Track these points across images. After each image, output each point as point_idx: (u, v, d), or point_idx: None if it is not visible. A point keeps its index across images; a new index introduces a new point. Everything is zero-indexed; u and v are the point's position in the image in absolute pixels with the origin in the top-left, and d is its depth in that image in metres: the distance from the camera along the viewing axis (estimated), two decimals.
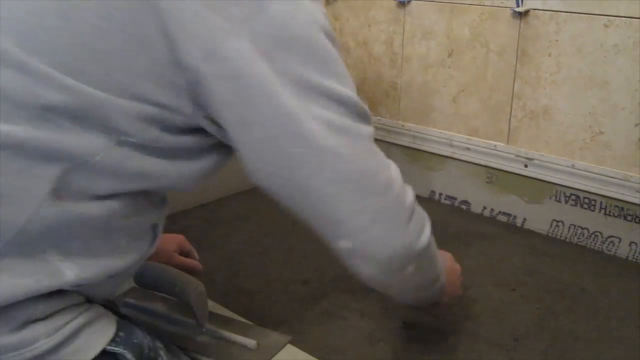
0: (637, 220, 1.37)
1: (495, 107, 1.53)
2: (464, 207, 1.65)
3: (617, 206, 1.40)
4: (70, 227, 0.61)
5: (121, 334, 0.69)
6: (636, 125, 1.32)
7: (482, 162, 1.58)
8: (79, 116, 0.59)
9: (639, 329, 1.14)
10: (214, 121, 0.65)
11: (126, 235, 0.68)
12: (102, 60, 0.59)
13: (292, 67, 0.62)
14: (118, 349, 0.66)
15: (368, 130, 0.69)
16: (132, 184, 0.64)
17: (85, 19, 0.58)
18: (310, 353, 1.04)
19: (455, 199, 1.66)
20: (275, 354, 1.03)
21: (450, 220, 1.57)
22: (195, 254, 1.16)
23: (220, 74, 0.60)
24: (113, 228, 0.66)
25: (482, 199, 1.62)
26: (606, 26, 1.31)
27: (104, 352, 0.66)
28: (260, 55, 0.60)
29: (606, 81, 1.34)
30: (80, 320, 0.65)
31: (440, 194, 1.68)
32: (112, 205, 0.64)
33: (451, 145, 1.62)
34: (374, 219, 0.71)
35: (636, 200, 1.35)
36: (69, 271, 0.62)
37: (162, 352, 0.74)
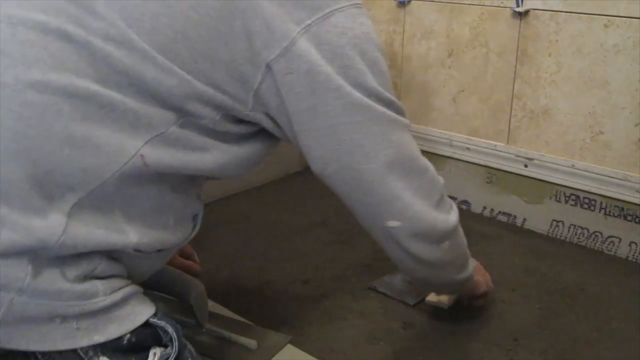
0: (637, 220, 1.37)
1: (495, 107, 1.53)
2: (464, 207, 1.65)
3: (617, 206, 1.40)
4: (136, 193, 0.68)
5: (159, 313, 0.72)
6: (636, 125, 1.32)
7: (482, 162, 1.58)
8: (162, 92, 0.67)
9: (639, 329, 1.14)
10: (269, 116, 0.75)
11: (174, 216, 0.76)
12: (192, 47, 0.68)
13: (350, 69, 0.73)
14: (161, 322, 0.70)
15: (407, 123, 0.82)
16: (188, 161, 0.71)
17: (183, 10, 0.67)
18: (310, 353, 1.04)
19: (455, 199, 1.66)
20: (275, 354, 1.03)
21: None
22: (196, 257, 1.17)
23: (294, 68, 0.70)
24: (165, 205, 0.73)
25: (482, 199, 1.62)
26: (606, 26, 1.31)
27: (146, 325, 0.69)
28: (322, 57, 0.71)
29: (606, 81, 1.34)
30: (130, 289, 0.69)
31: None
32: (170, 180, 0.72)
33: (451, 145, 1.62)
34: (417, 196, 0.82)
35: (636, 200, 1.35)
36: (132, 234, 0.68)
37: (192, 348, 0.76)
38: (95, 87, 0.63)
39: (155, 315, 0.70)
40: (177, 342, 0.69)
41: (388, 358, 1.05)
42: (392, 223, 0.83)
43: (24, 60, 0.61)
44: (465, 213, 1.63)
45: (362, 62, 0.74)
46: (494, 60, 1.50)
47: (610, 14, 1.30)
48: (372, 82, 0.75)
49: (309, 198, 1.69)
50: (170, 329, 0.69)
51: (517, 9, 1.42)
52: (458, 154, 1.62)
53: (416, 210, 0.83)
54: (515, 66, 1.47)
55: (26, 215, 0.60)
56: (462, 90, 1.58)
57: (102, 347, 0.64)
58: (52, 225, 0.61)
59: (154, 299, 1.06)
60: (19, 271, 0.60)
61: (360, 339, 1.10)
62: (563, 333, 1.13)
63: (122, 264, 0.71)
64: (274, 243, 1.44)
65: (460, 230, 0.95)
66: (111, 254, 0.69)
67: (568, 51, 1.37)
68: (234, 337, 1.04)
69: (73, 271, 0.63)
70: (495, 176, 1.58)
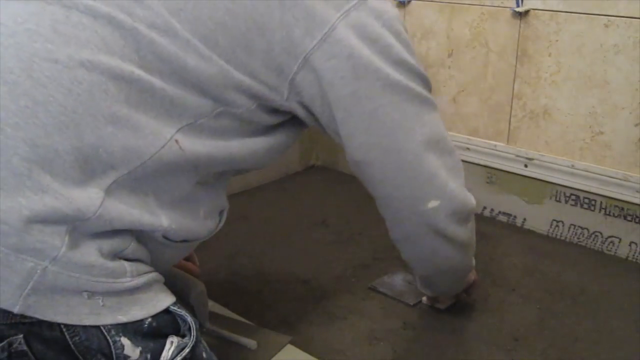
0: (637, 220, 1.37)
1: (495, 107, 1.53)
2: None
3: (617, 206, 1.40)
4: (170, 181, 0.70)
5: (179, 304, 0.73)
6: (636, 125, 1.32)
7: (482, 162, 1.58)
8: (202, 81, 0.70)
9: (639, 329, 1.14)
10: (303, 105, 0.78)
11: (203, 208, 0.78)
12: (231, 37, 0.70)
13: (388, 50, 0.77)
14: (181, 311, 0.71)
15: (435, 103, 0.86)
16: (220, 149, 0.74)
17: (223, 1, 0.70)
18: (310, 353, 1.04)
19: None
20: (275, 354, 1.03)
21: None
22: (196, 259, 1.17)
23: (336, 53, 0.73)
24: (196, 196, 0.76)
25: (482, 199, 1.62)
26: (606, 26, 1.31)
27: (166, 312, 0.70)
28: (362, 40, 0.75)
29: (606, 81, 1.34)
30: (154, 276, 0.71)
31: None
32: (201, 172, 0.74)
33: None
34: (450, 175, 0.88)
35: (636, 200, 1.35)
36: (164, 217, 0.70)
37: (204, 343, 0.77)
38: (138, 72, 0.66)
39: (175, 304, 0.71)
40: (195, 332, 0.70)
41: (388, 358, 1.05)
42: (433, 203, 0.86)
43: (77, 40, 0.64)
44: None
45: (398, 43, 0.79)
46: (494, 60, 1.50)
47: (610, 14, 1.30)
48: (409, 58, 0.80)
49: (309, 198, 1.69)
50: (189, 319, 0.71)
51: (517, 9, 1.42)
52: (458, 154, 1.61)
53: (452, 188, 0.88)
54: (515, 66, 1.47)
55: (67, 185, 0.62)
56: (462, 90, 1.58)
57: (124, 328, 0.65)
58: (90, 197, 0.63)
59: None
60: (56, 240, 0.61)
61: (360, 339, 1.10)
62: (563, 333, 1.13)
63: (148, 250, 0.72)
64: (274, 243, 1.44)
65: None
66: (140, 238, 0.70)
67: (568, 51, 1.37)
68: (234, 337, 1.04)
69: (105, 248, 0.65)
70: (495, 176, 1.58)
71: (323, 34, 0.73)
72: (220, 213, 0.84)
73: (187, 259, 1.15)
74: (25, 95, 0.61)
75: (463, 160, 1.63)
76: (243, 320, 1.12)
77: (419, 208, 0.87)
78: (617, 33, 1.30)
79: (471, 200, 0.94)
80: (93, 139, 0.63)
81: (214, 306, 1.12)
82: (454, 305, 1.19)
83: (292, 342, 1.07)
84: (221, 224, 0.85)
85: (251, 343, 1.03)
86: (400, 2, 1.62)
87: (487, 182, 1.60)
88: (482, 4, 1.48)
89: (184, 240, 0.77)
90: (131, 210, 0.67)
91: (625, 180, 1.36)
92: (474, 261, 1.07)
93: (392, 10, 0.80)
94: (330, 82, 0.75)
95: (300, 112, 0.79)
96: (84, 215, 0.62)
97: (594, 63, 1.34)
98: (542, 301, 1.23)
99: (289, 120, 0.82)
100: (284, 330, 1.10)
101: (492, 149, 1.55)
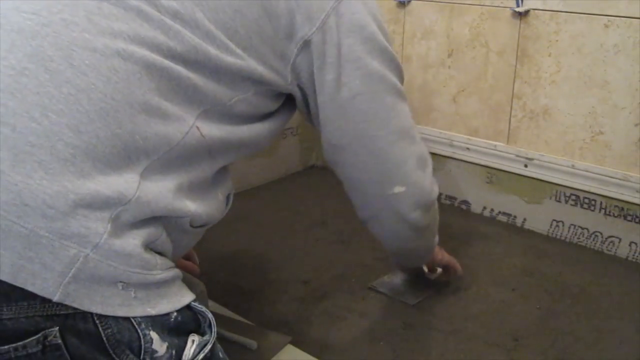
0: (637, 220, 1.37)
1: (495, 107, 1.53)
2: (464, 207, 1.65)
3: (617, 206, 1.40)
4: (191, 164, 0.73)
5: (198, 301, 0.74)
6: (636, 125, 1.32)
7: (482, 162, 1.58)
8: (221, 70, 0.73)
9: (639, 329, 1.14)
10: (300, 87, 0.83)
11: (219, 190, 0.81)
12: (247, 25, 0.75)
13: (373, 36, 0.83)
14: (202, 308, 0.71)
15: (405, 92, 0.92)
16: (234, 133, 0.78)
17: None
18: (310, 353, 1.04)
19: (455, 199, 1.66)
20: (275, 354, 1.03)
21: (450, 220, 1.57)
22: (196, 258, 1.17)
23: (327, 40, 0.80)
24: (214, 180, 0.79)
25: (482, 199, 1.62)
26: (606, 26, 1.31)
27: (190, 310, 0.70)
28: (347, 28, 0.80)
29: (606, 81, 1.34)
30: (177, 272, 0.71)
31: (440, 194, 1.68)
32: (216, 156, 0.77)
33: (451, 145, 1.62)
34: (418, 164, 0.93)
35: (636, 200, 1.35)
36: (190, 203, 0.72)
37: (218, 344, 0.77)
38: (166, 62, 0.69)
39: (195, 300, 0.72)
40: (214, 329, 0.71)
41: (388, 358, 1.05)
42: (398, 189, 0.91)
43: (111, 30, 0.66)
44: (465, 213, 1.63)
45: (379, 31, 0.84)
46: (494, 60, 1.50)
47: (610, 14, 1.30)
48: (390, 47, 0.85)
49: (309, 198, 1.69)
50: (209, 315, 0.71)
51: (517, 9, 1.42)
52: (458, 154, 1.62)
53: (418, 175, 0.93)
54: (515, 66, 1.47)
55: (107, 171, 0.64)
56: (462, 90, 1.58)
57: (153, 322, 0.66)
58: (128, 181, 0.65)
59: None
60: (100, 226, 0.62)
61: (360, 339, 1.10)
62: (563, 333, 1.13)
63: (172, 242, 0.73)
64: (274, 243, 1.44)
65: None
66: (168, 229, 0.72)
67: (568, 51, 1.37)
68: (234, 337, 1.04)
69: (142, 237, 0.66)
70: (495, 176, 1.58)
71: (320, 20, 0.79)
72: (228, 196, 0.86)
73: (187, 258, 1.15)
74: (68, 83, 0.63)
75: (463, 160, 1.64)
76: (243, 320, 1.12)
77: (386, 192, 0.92)
78: (617, 33, 1.30)
79: (435, 190, 0.99)
80: (130, 125, 0.65)
81: (214, 306, 1.12)
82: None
83: (292, 342, 1.06)
84: (229, 206, 0.87)
85: (251, 343, 1.03)
86: (400, 2, 1.62)
87: (487, 182, 1.60)
88: (482, 4, 1.48)
89: (201, 225, 0.78)
90: (165, 195, 0.68)
91: (625, 180, 1.36)
92: (437, 239, 1.12)
93: (374, 4, 0.86)
94: (320, 66, 0.81)
95: (298, 96, 0.85)
96: (125, 198, 0.64)
97: (594, 63, 1.34)
98: (542, 301, 1.23)
99: (284, 104, 0.87)
100: (284, 330, 1.10)
101: (492, 149, 1.55)
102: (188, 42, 0.70)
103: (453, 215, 1.61)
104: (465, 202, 1.65)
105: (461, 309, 1.19)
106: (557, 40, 1.38)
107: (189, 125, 0.71)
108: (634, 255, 1.40)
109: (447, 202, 1.68)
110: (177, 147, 0.70)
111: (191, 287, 0.96)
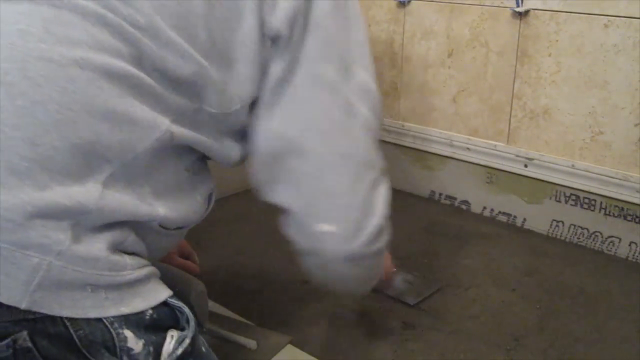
0: (637, 220, 1.37)
1: (495, 107, 1.53)
2: (464, 207, 1.65)
3: (617, 206, 1.40)
4: (162, 169, 0.71)
5: (176, 297, 0.74)
6: (636, 125, 1.32)
7: (482, 162, 1.58)
8: (180, 79, 0.70)
9: (639, 329, 1.14)
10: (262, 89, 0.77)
11: (197, 192, 0.78)
12: (210, 29, 0.70)
13: (335, 42, 0.76)
14: (179, 303, 0.71)
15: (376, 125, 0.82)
16: (203, 141, 0.74)
17: None
18: (310, 353, 1.04)
19: (455, 199, 1.66)
20: (275, 354, 1.03)
21: (450, 220, 1.57)
22: (195, 258, 1.16)
23: (293, 36, 0.73)
24: (188, 182, 0.77)
25: (482, 199, 1.62)
26: (606, 26, 1.31)
27: (167, 306, 0.71)
28: (310, 31, 0.74)
29: (606, 81, 1.34)
30: (151, 269, 0.71)
31: (440, 194, 1.68)
32: (190, 157, 0.76)
33: (451, 145, 1.62)
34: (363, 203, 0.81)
35: (636, 200, 1.35)
36: (160, 207, 0.71)
37: (202, 337, 0.77)
38: (129, 67, 0.67)
39: (172, 297, 0.72)
40: (193, 323, 0.71)
41: (388, 358, 1.05)
42: (326, 227, 0.79)
43: (68, 39, 0.65)
44: (465, 213, 1.63)
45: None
46: (494, 60, 1.50)
47: (610, 14, 1.30)
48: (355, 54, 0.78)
49: None
50: (186, 310, 0.71)
51: (517, 9, 1.42)
52: (458, 154, 1.62)
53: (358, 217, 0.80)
54: (515, 66, 1.47)
55: (67, 181, 0.63)
56: (462, 90, 1.58)
57: (126, 320, 0.66)
58: (89, 191, 0.64)
59: None
60: (60, 234, 0.62)
61: (360, 339, 1.10)
62: (563, 333, 1.13)
63: (145, 243, 0.73)
64: (274, 243, 1.44)
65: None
66: (138, 230, 0.71)
67: (568, 51, 1.37)
68: (234, 337, 1.04)
69: (108, 241, 0.66)
70: (495, 176, 1.58)
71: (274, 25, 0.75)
72: (210, 196, 0.84)
73: (187, 258, 1.15)
74: (22, 96, 0.62)
75: (463, 160, 1.64)
76: (243, 320, 1.12)
77: (309, 228, 0.82)
78: (617, 33, 1.30)
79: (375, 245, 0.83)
80: (89, 135, 0.64)
81: (214, 306, 1.12)
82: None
83: (292, 342, 1.06)
84: (211, 206, 0.85)
85: (251, 343, 1.03)
86: (400, 2, 1.62)
87: (487, 182, 1.59)
88: (482, 4, 1.48)
89: (179, 227, 0.77)
90: (129, 202, 0.67)
91: (625, 180, 1.36)
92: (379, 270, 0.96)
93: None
94: (274, 63, 0.76)
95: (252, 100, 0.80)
96: (85, 208, 0.63)
97: (594, 63, 1.34)
98: (542, 301, 1.23)
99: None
100: (284, 330, 1.10)
101: (492, 149, 1.55)
102: (146, 51, 0.68)
103: (453, 215, 1.61)
104: (465, 202, 1.65)
105: (461, 309, 1.19)
106: (557, 40, 1.38)
107: (161, 131, 0.69)
108: (634, 255, 1.40)
109: (447, 202, 1.68)
110: (144, 153, 0.68)
111: (191, 287, 0.96)
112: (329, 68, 0.76)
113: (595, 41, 1.33)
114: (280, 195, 0.81)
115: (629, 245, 1.40)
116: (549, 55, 1.40)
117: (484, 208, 1.62)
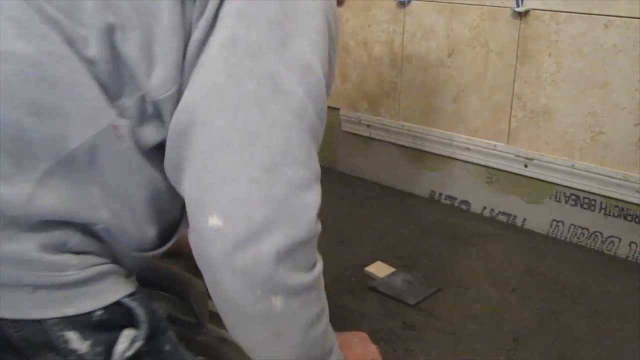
0: (637, 220, 1.37)
1: (495, 107, 1.53)
2: (464, 207, 1.65)
3: (617, 206, 1.40)
4: (118, 171, 0.65)
5: (139, 295, 0.70)
6: (636, 125, 1.32)
7: (482, 162, 1.58)
8: (101, 73, 0.63)
9: (639, 329, 1.14)
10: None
11: (154, 214, 0.71)
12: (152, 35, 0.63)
13: (270, 2, 0.65)
14: (132, 304, 0.68)
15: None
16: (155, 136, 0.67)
17: None
18: None
19: (455, 199, 1.66)
20: None
21: (450, 220, 1.57)
22: None
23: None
24: (151, 200, 0.69)
25: (482, 199, 1.62)
26: (606, 26, 1.31)
27: (121, 306, 0.68)
28: (224, 22, 0.63)
29: (606, 81, 1.34)
30: (106, 268, 0.68)
31: (440, 194, 1.68)
32: (158, 168, 0.67)
33: (451, 145, 1.62)
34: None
35: (636, 200, 1.35)
36: (106, 210, 0.65)
37: (172, 335, 0.75)
38: (61, 51, 0.61)
39: (132, 295, 0.69)
40: (145, 325, 0.68)
41: (388, 358, 1.05)
42: (215, 221, 0.61)
43: None
44: (465, 213, 1.63)
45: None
46: (494, 60, 1.50)
47: (610, 14, 1.30)
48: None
49: None
50: (139, 311, 0.68)
51: (517, 9, 1.42)
52: (458, 154, 1.62)
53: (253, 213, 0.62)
54: (515, 66, 1.47)
55: None
56: (462, 90, 1.58)
57: (73, 322, 0.64)
58: (20, 189, 0.61)
59: (155, 298, 1.06)
60: None
61: None
62: (563, 333, 1.13)
63: (103, 243, 0.69)
64: None
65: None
66: (89, 231, 0.67)
67: (568, 51, 1.37)
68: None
69: (44, 241, 0.63)
70: (495, 176, 1.58)
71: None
72: (173, 231, 0.75)
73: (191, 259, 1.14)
74: None
75: (463, 160, 1.65)
76: None
77: (198, 224, 0.64)
78: (617, 33, 1.30)
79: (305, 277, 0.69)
80: (15, 131, 0.61)
81: (214, 306, 1.12)
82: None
83: None
84: (169, 245, 0.75)
85: None
86: (400, 2, 1.62)
87: (487, 182, 1.59)
88: (482, 4, 1.48)
89: (141, 250, 0.71)
90: (66, 203, 0.63)
91: (625, 180, 1.36)
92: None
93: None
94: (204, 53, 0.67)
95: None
96: (13, 208, 0.61)
97: (594, 63, 1.34)
98: (542, 301, 1.23)
99: None
100: None
101: (492, 149, 1.55)
102: (72, 39, 0.62)
103: (453, 215, 1.61)
104: (465, 202, 1.65)
105: (461, 309, 1.19)
106: (557, 40, 1.38)
107: (102, 127, 0.62)
108: (634, 255, 1.40)
109: (447, 202, 1.68)
110: (81, 150, 0.62)
111: (191, 287, 0.96)
112: (252, 29, 0.62)
113: (595, 41, 1.33)
114: (182, 184, 0.65)
115: (629, 245, 1.40)
116: (549, 55, 1.40)
117: (484, 208, 1.62)
